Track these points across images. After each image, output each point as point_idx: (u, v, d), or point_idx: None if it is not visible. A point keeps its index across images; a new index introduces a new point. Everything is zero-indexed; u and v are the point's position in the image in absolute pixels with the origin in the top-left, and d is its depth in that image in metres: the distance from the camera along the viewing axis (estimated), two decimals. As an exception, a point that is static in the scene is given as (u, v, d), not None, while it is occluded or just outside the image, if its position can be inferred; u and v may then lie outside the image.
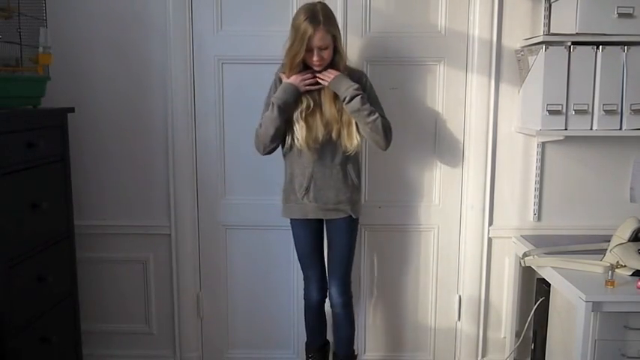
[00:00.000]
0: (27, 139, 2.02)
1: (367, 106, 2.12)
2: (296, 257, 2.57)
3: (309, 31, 2.05)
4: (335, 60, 2.15)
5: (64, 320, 2.31)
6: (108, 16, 2.47)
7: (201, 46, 2.50)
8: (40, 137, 2.09)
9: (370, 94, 2.21)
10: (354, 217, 2.27)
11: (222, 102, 2.54)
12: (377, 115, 2.13)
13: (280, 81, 2.19)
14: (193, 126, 2.54)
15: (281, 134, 2.18)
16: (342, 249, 2.30)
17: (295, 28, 2.09)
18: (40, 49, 2.13)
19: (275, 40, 2.44)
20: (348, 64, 2.23)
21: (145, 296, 2.67)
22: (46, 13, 2.27)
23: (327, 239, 2.33)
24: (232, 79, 2.52)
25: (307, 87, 2.15)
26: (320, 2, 2.17)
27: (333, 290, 2.31)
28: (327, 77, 2.13)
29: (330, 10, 2.14)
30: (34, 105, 2.21)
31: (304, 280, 2.38)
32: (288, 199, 2.28)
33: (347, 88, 2.11)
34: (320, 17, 2.06)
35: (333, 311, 2.35)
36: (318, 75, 2.15)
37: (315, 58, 2.10)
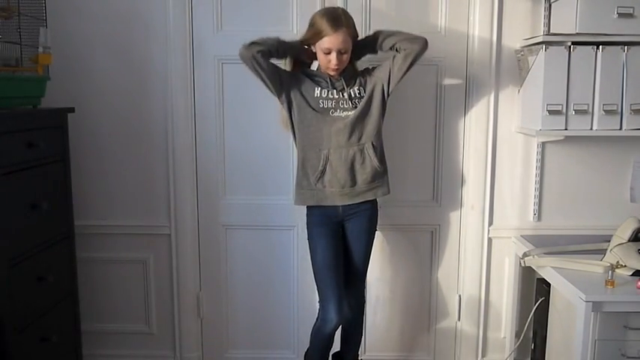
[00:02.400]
0: (27, 139, 2.02)
1: (386, 33, 2.13)
2: (297, 257, 2.59)
3: (329, 32, 2.03)
4: (352, 64, 2.18)
5: (64, 320, 2.31)
6: (108, 16, 2.47)
7: (201, 46, 2.50)
8: (40, 137, 2.09)
9: (377, 67, 2.20)
10: (372, 198, 2.19)
11: (222, 102, 2.54)
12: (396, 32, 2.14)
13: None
14: (193, 126, 2.54)
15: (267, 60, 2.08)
16: (360, 257, 2.25)
17: (313, 25, 2.08)
18: (40, 49, 2.13)
19: (275, 40, 2.44)
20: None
21: (145, 296, 2.67)
22: (46, 13, 2.27)
23: (345, 248, 2.25)
24: (232, 79, 2.52)
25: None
26: (340, 8, 2.20)
27: (351, 298, 2.27)
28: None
29: (351, 16, 2.12)
30: (34, 105, 2.21)
31: (321, 302, 2.21)
32: (300, 185, 2.20)
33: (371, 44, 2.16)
34: (342, 20, 2.05)
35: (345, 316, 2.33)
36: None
37: (334, 62, 2.06)
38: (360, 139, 2.14)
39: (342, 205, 2.19)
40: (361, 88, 2.18)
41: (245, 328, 2.69)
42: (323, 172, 2.14)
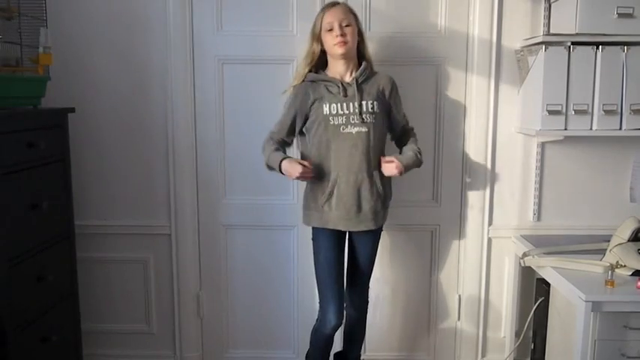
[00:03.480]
0: (27, 139, 2.02)
1: (416, 158, 2.17)
2: (297, 257, 2.59)
3: (325, 10, 2.10)
4: (360, 49, 2.16)
5: (64, 320, 2.31)
6: (108, 16, 2.48)
7: (201, 46, 2.50)
8: (40, 137, 2.09)
9: (397, 100, 2.21)
10: (374, 228, 2.19)
11: (222, 102, 2.54)
12: (418, 156, 2.17)
13: (297, 93, 2.16)
14: (193, 126, 2.54)
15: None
16: (365, 259, 2.26)
17: (314, 21, 2.14)
18: (40, 50, 2.13)
19: (275, 40, 2.45)
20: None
21: (145, 296, 2.67)
22: (46, 13, 2.27)
23: (350, 249, 2.26)
24: (232, 79, 2.52)
25: (298, 178, 2.07)
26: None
27: (355, 297, 2.29)
28: (392, 169, 2.09)
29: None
30: (34, 105, 2.21)
31: (320, 302, 2.23)
32: (308, 206, 2.21)
33: (413, 163, 2.15)
34: (338, 2, 2.14)
35: (349, 316, 2.32)
36: (384, 169, 2.11)
37: (339, 35, 2.05)
38: (369, 165, 2.12)
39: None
40: (376, 102, 2.13)
41: (245, 328, 2.69)
42: (330, 194, 2.13)
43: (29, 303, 2.05)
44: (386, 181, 2.19)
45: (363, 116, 2.10)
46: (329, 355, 2.37)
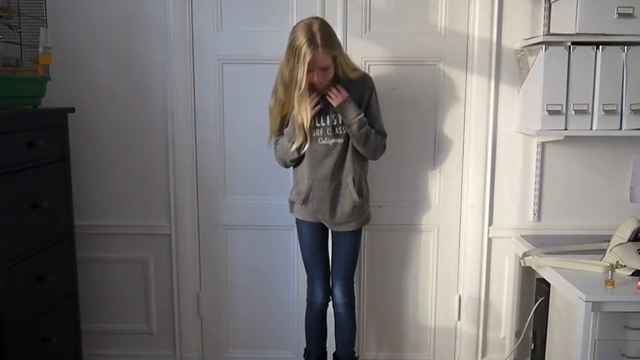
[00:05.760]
0: (27, 139, 2.02)
1: (364, 130, 2.13)
2: (296, 257, 2.60)
3: (309, 56, 1.98)
4: (336, 73, 2.12)
5: (64, 320, 2.31)
6: (108, 16, 2.48)
7: (201, 46, 2.50)
8: (40, 137, 2.09)
9: (372, 103, 2.21)
10: (351, 230, 2.27)
11: (222, 102, 2.54)
12: (371, 139, 2.16)
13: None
14: (193, 126, 2.55)
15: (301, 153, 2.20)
16: (346, 251, 2.31)
17: (293, 49, 2.01)
18: (40, 50, 2.13)
19: (275, 40, 2.44)
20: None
21: (145, 296, 2.67)
22: (46, 13, 2.28)
23: (332, 241, 2.34)
24: (232, 79, 2.52)
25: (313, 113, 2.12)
26: (317, 19, 2.08)
27: (337, 291, 2.32)
28: (336, 97, 2.11)
29: (328, 26, 2.08)
30: (34, 105, 2.21)
31: (308, 282, 2.38)
32: (291, 200, 2.33)
33: (353, 117, 2.12)
34: (318, 40, 1.99)
35: (335, 312, 2.35)
36: (328, 93, 2.12)
37: (317, 80, 2.07)
38: (342, 172, 2.20)
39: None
40: None
41: (245, 328, 2.69)
42: (306, 199, 2.23)
43: (29, 303, 2.05)
44: (361, 185, 2.24)
45: (336, 130, 2.17)
46: (324, 343, 2.41)
